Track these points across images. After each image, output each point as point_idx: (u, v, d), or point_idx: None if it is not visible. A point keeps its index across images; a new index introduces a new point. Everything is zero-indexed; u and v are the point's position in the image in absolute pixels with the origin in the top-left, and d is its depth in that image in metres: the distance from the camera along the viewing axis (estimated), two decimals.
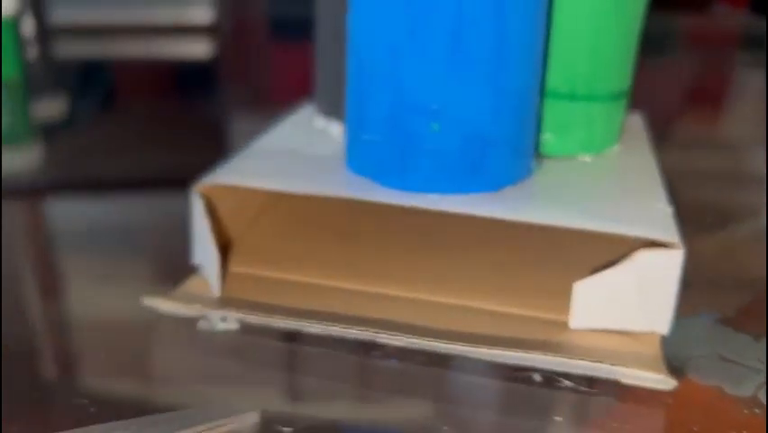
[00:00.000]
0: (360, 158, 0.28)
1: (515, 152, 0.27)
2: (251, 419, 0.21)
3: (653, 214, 0.25)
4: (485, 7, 0.24)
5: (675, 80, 0.74)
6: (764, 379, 0.23)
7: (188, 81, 0.71)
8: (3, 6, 0.56)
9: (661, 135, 0.38)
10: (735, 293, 0.29)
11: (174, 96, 0.67)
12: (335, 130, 0.33)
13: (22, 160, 0.49)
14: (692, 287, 0.25)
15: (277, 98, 0.70)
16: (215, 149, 0.49)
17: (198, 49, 0.81)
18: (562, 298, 0.25)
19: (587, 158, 0.31)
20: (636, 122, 0.36)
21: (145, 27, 0.81)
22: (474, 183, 0.26)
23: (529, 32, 0.26)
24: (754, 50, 0.88)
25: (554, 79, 0.29)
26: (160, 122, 0.59)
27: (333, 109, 0.33)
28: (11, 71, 0.58)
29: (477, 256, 0.29)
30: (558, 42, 0.29)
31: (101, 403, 0.22)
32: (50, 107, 0.62)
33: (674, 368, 0.23)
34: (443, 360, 0.24)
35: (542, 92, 0.28)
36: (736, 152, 0.54)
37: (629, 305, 0.24)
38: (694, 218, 0.32)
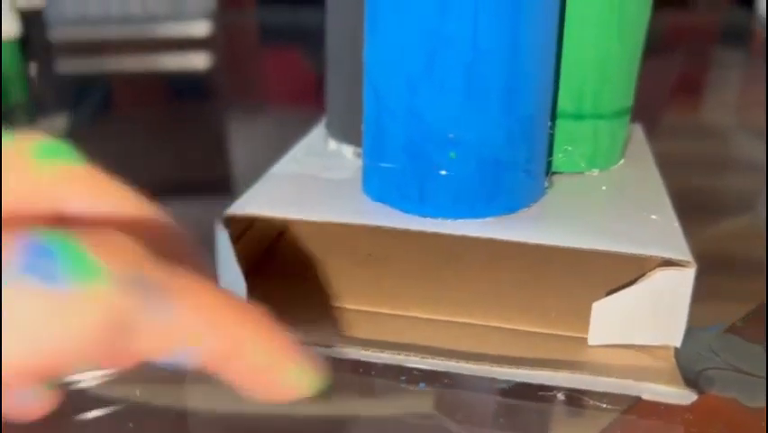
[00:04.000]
0: (378, 184, 0.28)
1: (529, 175, 0.28)
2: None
3: (664, 232, 0.26)
4: (500, 40, 0.25)
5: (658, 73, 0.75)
6: None
7: (187, 91, 0.72)
8: (5, 30, 0.57)
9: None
10: (738, 297, 0.30)
11: (173, 105, 0.68)
12: (348, 153, 0.34)
13: None
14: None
15: (273, 101, 0.72)
16: (217, 153, 0.51)
17: (197, 61, 0.81)
18: (580, 315, 0.26)
19: (595, 172, 0.32)
20: (638, 134, 0.37)
21: (144, 42, 0.82)
22: (491, 207, 0.27)
23: (541, 60, 0.27)
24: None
25: (562, 99, 0.30)
26: (162, 131, 0.61)
27: (346, 133, 0.34)
28: (16, 94, 0.59)
29: (496, 276, 0.30)
30: (565, 64, 0.30)
31: None
32: (53, 124, 0.62)
33: (689, 381, 0.24)
34: (466, 380, 0.25)
35: (552, 114, 0.29)
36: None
37: (644, 321, 0.25)
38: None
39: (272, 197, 0.29)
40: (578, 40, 0.29)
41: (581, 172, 0.32)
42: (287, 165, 0.32)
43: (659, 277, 0.24)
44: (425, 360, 0.25)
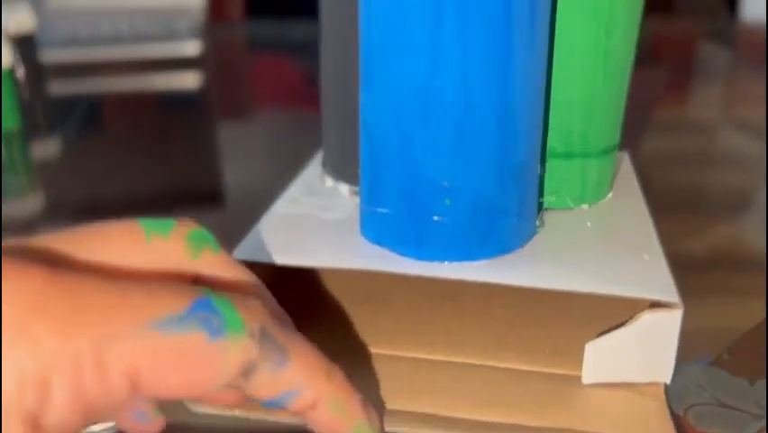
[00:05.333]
0: (375, 228, 0.29)
1: (521, 218, 0.29)
2: None
3: (653, 272, 0.27)
4: (489, 92, 0.26)
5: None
6: (764, 424, 0.25)
7: (178, 108, 0.73)
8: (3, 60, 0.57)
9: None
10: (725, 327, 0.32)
11: (164, 122, 0.69)
12: (345, 191, 0.34)
13: (24, 208, 0.51)
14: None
15: (265, 109, 0.73)
16: (209, 167, 0.52)
17: (188, 80, 0.82)
18: (573, 353, 0.27)
19: (584, 207, 0.33)
20: (625, 164, 0.38)
21: (135, 62, 0.82)
22: (485, 250, 0.28)
23: (530, 108, 0.27)
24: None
25: (551, 140, 0.31)
26: (152, 147, 0.62)
27: (342, 172, 0.34)
28: (10, 122, 0.59)
29: (491, 316, 0.31)
30: (553, 106, 0.31)
31: None
32: (47, 149, 0.63)
33: (678, 418, 0.25)
34: None
35: (542, 156, 0.30)
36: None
37: (635, 360, 0.26)
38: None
39: (273, 241, 0.30)
40: (565, 83, 0.30)
41: (571, 208, 0.33)
42: (286, 205, 0.33)
43: (648, 319, 0.25)
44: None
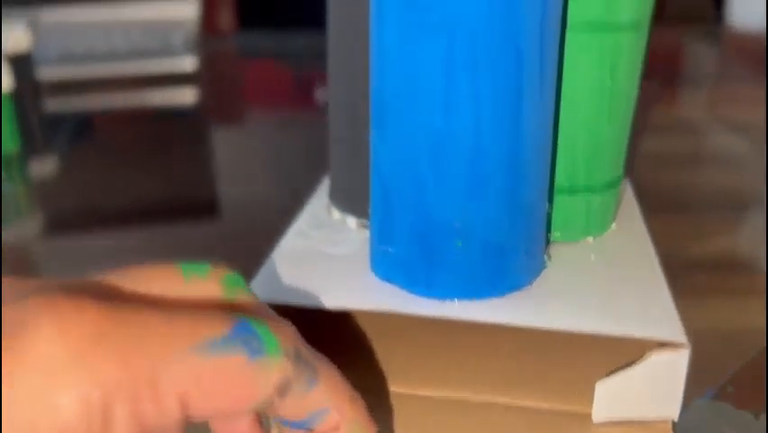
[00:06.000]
0: (385, 266, 0.30)
1: (529, 255, 0.29)
2: None
3: (659, 310, 0.28)
4: (500, 136, 0.26)
5: None
6: None
7: (173, 122, 0.73)
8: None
9: None
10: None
11: (160, 135, 0.69)
12: (353, 223, 0.35)
13: (23, 228, 0.51)
14: None
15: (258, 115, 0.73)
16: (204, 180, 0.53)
17: (184, 95, 0.82)
18: (583, 391, 0.28)
19: (589, 240, 0.33)
20: (627, 192, 0.39)
21: (131, 78, 0.82)
22: (495, 288, 0.28)
23: (539, 150, 0.28)
24: None
25: (557, 176, 0.32)
26: (150, 158, 0.62)
27: (349, 204, 0.35)
28: (9, 145, 0.59)
29: (502, 354, 0.31)
30: (560, 144, 0.31)
31: None
32: (44, 167, 0.63)
33: None
34: None
35: (549, 194, 0.31)
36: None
37: (644, 397, 0.27)
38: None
39: (284, 279, 0.30)
40: (571, 122, 0.31)
41: (576, 241, 0.33)
42: (294, 240, 0.34)
43: (656, 359, 0.26)
44: None
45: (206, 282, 0.21)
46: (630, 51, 0.30)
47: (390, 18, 0.26)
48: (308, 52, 0.90)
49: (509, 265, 0.28)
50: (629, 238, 0.34)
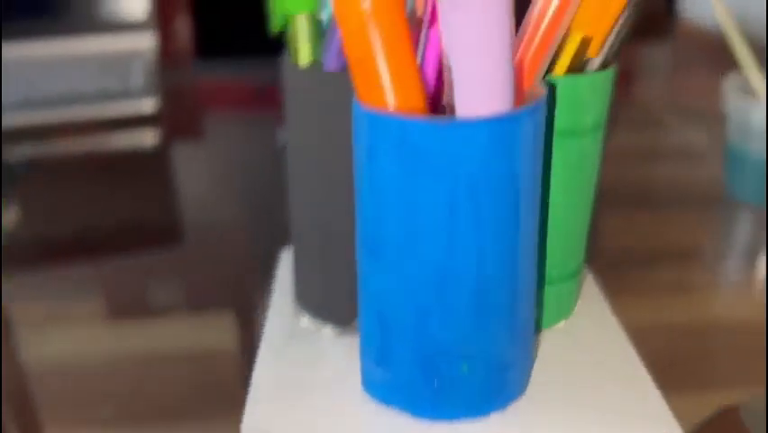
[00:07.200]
0: (383, 388, 0.29)
1: (526, 364, 0.30)
2: None
3: (647, 402, 0.29)
4: (502, 265, 0.26)
5: None
6: None
7: (132, 165, 0.70)
8: None
9: None
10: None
11: (120, 179, 0.66)
12: (328, 332, 0.34)
13: None
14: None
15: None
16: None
17: (144, 137, 0.77)
18: None
19: (561, 324, 0.34)
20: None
21: (90, 122, 0.78)
22: (497, 403, 0.29)
23: (533, 266, 0.28)
24: None
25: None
26: (109, 190, 0.60)
27: (321, 311, 0.34)
28: None
29: None
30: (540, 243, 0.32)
31: None
32: (8, 217, 0.58)
33: None
34: None
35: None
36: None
37: None
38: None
39: (272, 419, 0.29)
40: (548, 223, 0.31)
41: (550, 327, 0.34)
42: (268, 365, 0.32)
43: None
44: None
45: None
46: (592, 150, 0.31)
47: (385, 159, 0.25)
48: (268, 79, 0.91)
49: (510, 378, 0.29)
50: (595, 318, 0.35)
